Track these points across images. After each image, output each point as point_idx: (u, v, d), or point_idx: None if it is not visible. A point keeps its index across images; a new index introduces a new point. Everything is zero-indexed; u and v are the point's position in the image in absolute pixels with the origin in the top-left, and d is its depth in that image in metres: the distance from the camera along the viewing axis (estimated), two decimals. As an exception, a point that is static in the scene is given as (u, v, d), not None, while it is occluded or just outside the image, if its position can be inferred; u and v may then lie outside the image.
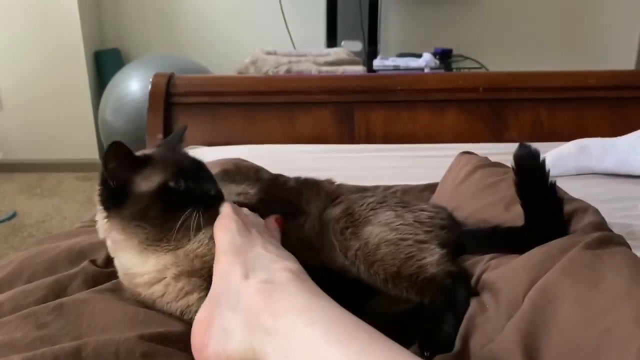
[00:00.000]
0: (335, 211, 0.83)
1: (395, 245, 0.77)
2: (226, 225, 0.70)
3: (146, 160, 0.73)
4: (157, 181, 0.71)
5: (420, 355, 0.62)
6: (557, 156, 1.46)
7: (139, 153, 0.75)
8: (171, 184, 0.71)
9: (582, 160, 1.45)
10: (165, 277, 0.72)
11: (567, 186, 0.97)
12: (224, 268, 0.66)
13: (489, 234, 0.82)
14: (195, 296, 0.72)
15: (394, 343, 0.52)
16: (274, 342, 0.55)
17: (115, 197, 0.72)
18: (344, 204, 0.85)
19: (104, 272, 0.82)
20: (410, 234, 0.79)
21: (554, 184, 0.78)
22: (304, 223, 0.83)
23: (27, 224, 2.83)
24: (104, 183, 0.73)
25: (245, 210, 0.77)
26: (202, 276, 0.72)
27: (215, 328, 0.62)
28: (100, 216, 0.75)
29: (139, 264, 0.73)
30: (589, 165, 1.44)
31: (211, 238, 0.72)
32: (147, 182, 0.71)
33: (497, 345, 0.61)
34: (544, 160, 0.77)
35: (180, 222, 0.70)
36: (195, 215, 0.70)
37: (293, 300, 0.58)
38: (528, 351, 0.57)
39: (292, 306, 0.57)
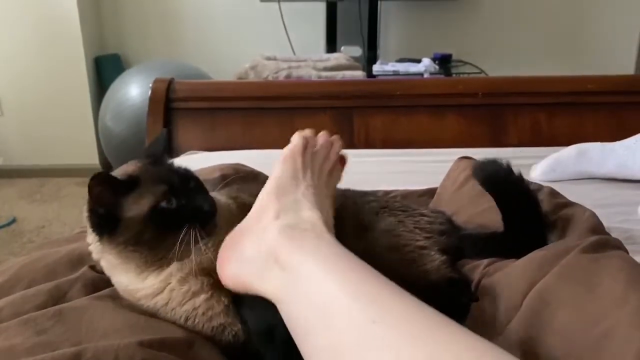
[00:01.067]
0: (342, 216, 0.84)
1: (397, 251, 0.78)
2: (286, 160, 0.73)
3: (133, 183, 0.71)
4: (147, 204, 0.69)
5: None
6: (556, 161, 1.46)
7: (122, 174, 0.73)
8: (162, 204, 0.70)
9: (582, 165, 1.45)
10: (169, 283, 0.72)
11: (566, 191, 0.97)
12: (262, 205, 0.70)
13: (488, 239, 0.82)
14: (202, 297, 0.71)
15: (417, 302, 0.52)
16: (284, 277, 0.59)
17: (106, 224, 0.71)
18: (350, 209, 0.85)
19: (104, 277, 0.82)
20: (411, 240, 0.80)
21: (523, 184, 0.79)
22: None
23: (27, 230, 2.83)
24: (91, 210, 0.72)
25: (320, 139, 0.78)
26: (208, 274, 0.72)
27: (237, 252, 0.67)
28: (93, 238, 0.74)
29: (138, 282, 0.72)
30: (588, 170, 1.44)
31: (214, 244, 0.72)
32: (137, 206, 0.70)
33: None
34: (505, 164, 0.80)
35: (179, 243, 0.69)
36: (193, 233, 0.69)
37: (309, 244, 0.61)
38: (526, 356, 0.57)
39: (308, 250, 0.60)
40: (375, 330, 0.49)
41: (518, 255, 0.73)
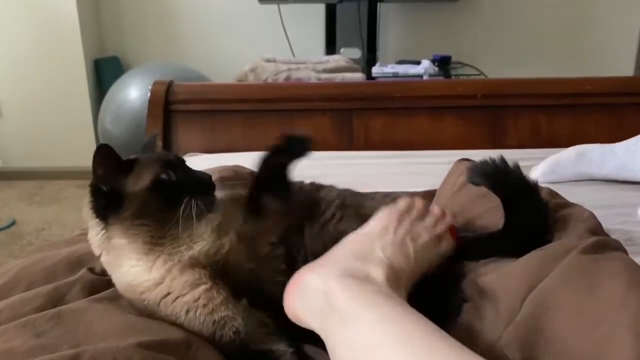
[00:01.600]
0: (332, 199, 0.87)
1: None
2: (384, 215, 0.76)
3: (132, 162, 0.74)
4: (149, 177, 0.73)
5: None
6: (556, 162, 1.46)
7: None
8: (163, 176, 0.73)
9: (581, 166, 1.45)
10: (170, 273, 0.72)
11: (565, 192, 0.97)
12: (340, 248, 0.72)
13: (487, 239, 0.82)
14: (202, 288, 0.71)
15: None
16: (335, 321, 0.61)
17: (110, 203, 0.72)
18: (335, 193, 0.89)
19: (102, 279, 0.82)
20: None
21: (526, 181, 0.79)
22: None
23: (27, 232, 2.83)
24: (95, 192, 0.73)
25: (435, 209, 0.79)
26: (205, 267, 0.72)
27: (301, 285, 0.69)
28: (95, 231, 0.75)
29: (143, 271, 0.72)
30: (588, 171, 1.44)
31: (213, 229, 0.73)
32: (139, 180, 0.72)
33: (495, 354, 0.61)
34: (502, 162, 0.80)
35: (181, 211, 0.71)
36: (194, 203, 0.72)
37: (365, 297, 0.62)
38: (526, 358, 0.57)
39: (362, 303, 0.61)
40: None
41: (517, 254, 0.74)
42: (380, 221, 0.75)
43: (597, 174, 1.44)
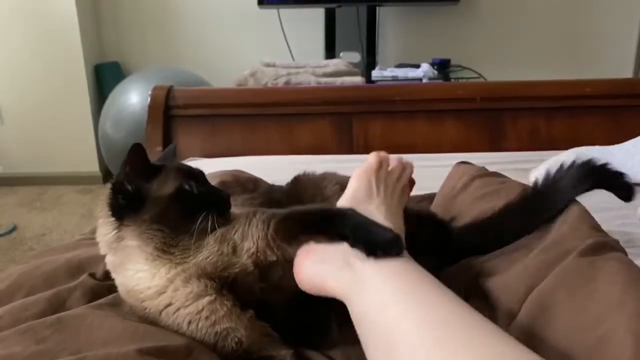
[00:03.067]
0: (331, 187, 0.92)
1: None
2: (360, 176, 0.79)
3: (159, 167, 0.75)
4: (173, 185, 0.74)
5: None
6: (555, 165, 1.46)
7: None
8: (186, 187, 0.74)
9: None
10: (173, 282, 0.71)
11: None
12: None
13: (481, 227, 0.84)
14: (206, 300, 0.70)
15: (484, 325, 0.55)
16: (355, 282, 0.63)
17: (132, 203, 0.73)
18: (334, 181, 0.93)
19: (103, 285, 0.82)
20: None
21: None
22: None
23: (27, 238, 2.83)
24: (117, 191, 0.73)
25: (394, 161, 0.83)
26: (211, 279, 0.72)
27: (314, 255, 0.70)
28: (105, 229, 0.74)
29: (146, 277, 0.72)
30: (587, 174, 1.44)
31: (219, 240, 0.73)
32: (164, 187, 0.73)
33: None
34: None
35: (197, 224, 0.72)
36: (211, 218, 0.72)
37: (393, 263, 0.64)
38: None
39: (377, 264, 0.64)
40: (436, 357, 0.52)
41: (512, 239, 0.77)
42: (361, 182, 0.78)
43: (597, 176, 1.43)
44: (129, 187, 0.73)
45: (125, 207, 0.73)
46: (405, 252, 0.66)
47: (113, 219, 0.73)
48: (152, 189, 0.73)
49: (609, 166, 0.80)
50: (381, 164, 0.81)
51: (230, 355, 0.70)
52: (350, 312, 0.64)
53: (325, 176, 0.97)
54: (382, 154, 0.83)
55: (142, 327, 0.71)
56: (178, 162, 0.85)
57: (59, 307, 0.77)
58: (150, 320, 0.73)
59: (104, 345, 0.65)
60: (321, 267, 0.69)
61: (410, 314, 0.56)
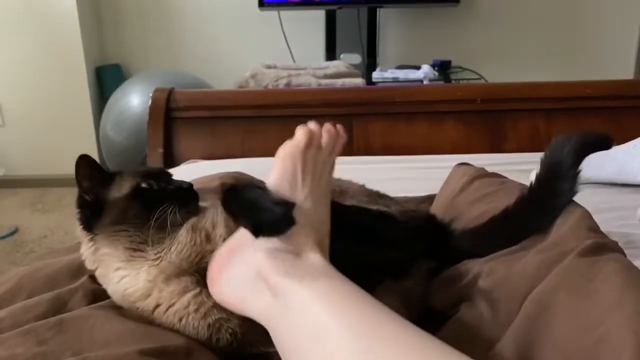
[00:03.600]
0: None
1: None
2: (284, 160, 0.69)
3: (116, 173, 0.77)
4: (130, 185, 0.75)
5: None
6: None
7: None
8: (143, 185, 0.75)
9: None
10: (156, 285, 0.72)
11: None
12: None
13: (483, 229, 0.84)
14: (190, 295, 0.71)
15: (413, 331, 0.53)
16: (274, 303, 0.58)
17: (94, 211, 0.75)
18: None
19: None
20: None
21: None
22: None
23: (29, 240, 2.83)
24: (80, 204, 0.76)
25: (326, 136, 0.72)
26: (191, 274, 0.73)
27: (227, 270, 0.66)
28: (86, 246, 0.77)
29: (130, 280, 0.73)
30: (587, 175, 1.42)
31: (190, 231, 0.73)
32: (121, 189, 0.75)
33: (494, 356, 0.61)
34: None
35: (154, 216, 0.72)
36: (171, 210, 0.72)
37: (298, 270, 0.59)
38: None
39: (297, 276, 0.58)
40: None
41: (515, 241, 0.76)
42: (285, 169, 0.68)
43: (596, 177, 1.44)
44: (88, 198, 0.75)
45: (92, 218, 0.75)
46: (330, 268, 0.61)
47: (85, 232, 0.76)
48: (109, 194, 0.75)
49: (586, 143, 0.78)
50: (311, 142, 0.70)
51: (227, 350, 0.71)
52: (273, 339, 0.60)
53: None
54: (312, 126, 0.72)
55: (142, 327, 0.71)
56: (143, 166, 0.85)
57: (60, 309, 0.77)
58: (148, 321, 0.73)
59: (106, 346, 0.66)
60: (235, 286, 0.64)
61: (355, 342, 0.51)
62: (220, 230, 0.74)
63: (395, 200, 0.92)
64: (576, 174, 0.77)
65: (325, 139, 0.72)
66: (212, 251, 0.72)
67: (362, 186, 0.97)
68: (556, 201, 0.78)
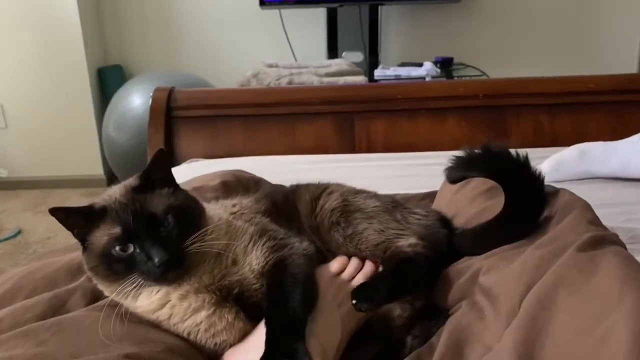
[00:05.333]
0: (330, 203, 0.88)
1: (378, 233, 0.84)
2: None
3: (100, 214, 0.72)
4: (103, 242, 0.71)
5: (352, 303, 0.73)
6: (559, 161, 1.45)
7: (100, 200, 0.74)
8: (113, 251, 0.70)
9: (584, 165, 1.44)
10: (169, 300, 0.72)
11: (568, 191, 0.96)
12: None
13: (484, 229, 0.83)
14: (203, 314, 0.72)
15: None
16: None
17: (82, 244, 0.74)
18: (338, 194, 0.89)
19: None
20: (394, 226, 0.85)
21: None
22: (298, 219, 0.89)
23: (33, 241, 2.84)
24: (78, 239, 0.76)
25: (350, 268, 0.82)
26: (211, 292, 0.73)
27: None
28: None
29: (144, 296, 0.73)
30: (590, 170, 1.43)
31: (213, 262, 0.74)
32: (98, 241, 0.71)
33: (494, 355, 0.60)
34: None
35: (120, 287, 0.70)
36: (137, 283, 0.70)
37: None
38: None
39: None
40: None
41: (516, 236, 0.77)
42: (325, 292, 0.77)
43: (601, 172, 1.43)
44: (75, 234, 0.74)
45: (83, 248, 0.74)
46: None
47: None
48: (92, 237, 0.72)
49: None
50: (341, 270, 0.82)
51: None
52: None
53: (330, 189, 0.92)
54: (353, 261, 0.84)
55: (143, 329, 0.71)
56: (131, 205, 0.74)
57: (59, 309, 0.77)
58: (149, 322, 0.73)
59: (105, 347, 0.66)
60: None
61: None
62: (250, 258, 0.75)
63: (411, 210, 0.90)
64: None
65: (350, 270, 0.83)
66: (236, 273, 0.74)
67: (375, 197, 0.92)
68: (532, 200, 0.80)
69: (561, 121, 1.80)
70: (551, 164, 1.45)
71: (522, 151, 0.81)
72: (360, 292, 0.75)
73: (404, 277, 0.78)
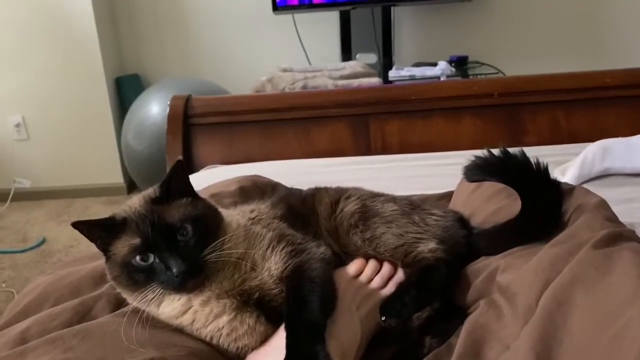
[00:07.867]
0: (350, 207, 0.88)
1: (397, 237, 0.84)
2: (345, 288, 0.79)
3: (121, 225, 0.74)
4: (124, 252, 0.72)
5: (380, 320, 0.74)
6: (583, 163, 1.43)
7: (120, 211, 0.76)
8: (134, 261, 0.72)
9: (607, 162, 1.41)
10: (192, 306, 0.74)
11: (587, 187, 0.95)
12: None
13: (502, 230, 0.83)
14: (225, 319, 0.73)
15: None
16: None
17: (104, 254, 0.76)
18: (356, 198, 0.90)
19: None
20: (412, 229, 0.86)
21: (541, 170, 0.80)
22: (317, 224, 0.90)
23: (56, 250, 2.89)
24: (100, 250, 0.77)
25: (368, 271, 0.83)
26: (232, 297, 0.74)
27: None
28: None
29: (166, 303, 0.75)
30: (614, 166, 1.41)
31: (232, 267, 0.75)
32: (120, 251, 0.73)
33: (512, 354, 0.61)
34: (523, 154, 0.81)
35: (142, 296, 0.72)
36: (158, 292, 0.72)
37: None
38: (541, 359, 0.57)
39: None
40: None
41: (533, 239, 0.77)
42: (344, 293, 0.78)
43: (625, 169, 1.40)
44: (97, 244, 0.75)
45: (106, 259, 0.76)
46: None
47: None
48: (113, 248, 0.74)
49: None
50: (359, 272, 0.84)
51: None
52: None
53: (349, 193, 0.93)
54: (371, 263, 0.85)
55: (166, 333, 0.72)
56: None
57: (84, 316, 0.79)
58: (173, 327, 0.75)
59: (129, 352, 0.67)
60: None
61: None
62: (268, 264, 0.76)
63: (429, 211, 0.90)
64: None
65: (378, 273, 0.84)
66: (255, 278, 0.75)
67: (393, 201, 0.92)
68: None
69: (578, 117, 1.79)
70: (577, 167, 1.41)
71: (542, 159, 0.80)
72: (387, 308, 0.75)
73: (428, 286, 0.79)
